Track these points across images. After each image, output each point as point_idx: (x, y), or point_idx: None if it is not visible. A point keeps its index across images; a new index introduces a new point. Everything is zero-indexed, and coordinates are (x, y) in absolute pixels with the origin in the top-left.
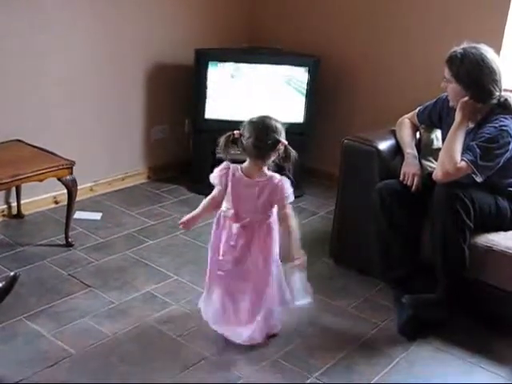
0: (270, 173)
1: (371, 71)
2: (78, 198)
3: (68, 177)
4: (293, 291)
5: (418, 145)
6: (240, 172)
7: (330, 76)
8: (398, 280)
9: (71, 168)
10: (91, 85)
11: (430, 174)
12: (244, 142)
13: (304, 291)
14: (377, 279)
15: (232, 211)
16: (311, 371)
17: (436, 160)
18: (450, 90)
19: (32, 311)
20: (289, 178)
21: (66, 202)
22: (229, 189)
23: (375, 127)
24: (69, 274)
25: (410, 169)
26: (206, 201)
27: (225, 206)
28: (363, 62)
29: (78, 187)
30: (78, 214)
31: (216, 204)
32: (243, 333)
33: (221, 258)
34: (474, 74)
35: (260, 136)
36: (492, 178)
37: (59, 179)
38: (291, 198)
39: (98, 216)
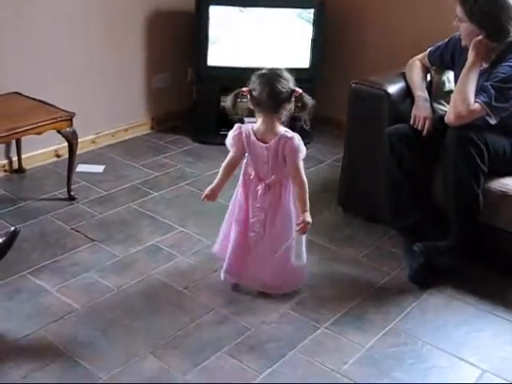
0: (282, 130)
1: (379, 11)
2: (79, 151)
3: (68, 129)
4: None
5: (429, 87)
6: (252, 135)
7: (337, 17)
8: (408, 227)
9: (71, 120)
10: (88, 33)
11: (442, 117)
12: (257, 95)
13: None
14: (386, 226)
15: (253, 172)
16: (321, 321)
17: (448, 103)
18: (463, 29)
19: (35, 266)
20: (305, 129)
21: (67, 156)
22: (246, 150)
23: (385, 70)
24: (72, 228)
25: (420, 112)
26: (223, 167)
27: (246, 164)
28: (373, 3)
29: (80, 140)
30: (80, 167)
31: (234, 167)
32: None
33: (251, 219)
34: (489, 12)
35: (274, 86)
36: (506, 119)
37: (59, 132)
38: (303, 154)
39: (100, 169)
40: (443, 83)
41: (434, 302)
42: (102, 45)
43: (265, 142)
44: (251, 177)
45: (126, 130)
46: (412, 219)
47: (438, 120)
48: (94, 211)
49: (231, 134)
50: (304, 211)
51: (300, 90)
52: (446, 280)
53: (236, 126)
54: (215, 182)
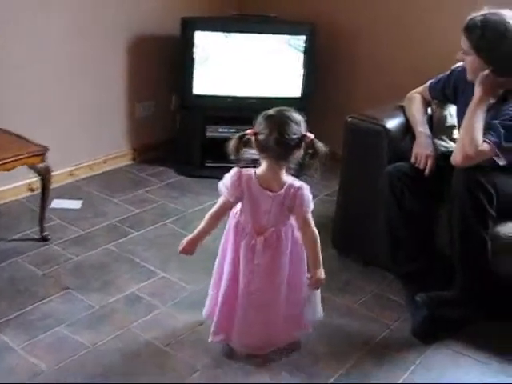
0: (288, 179)
1: (375, 39)
2: (56, 185)
3: (40, 164)
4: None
5: (430, 122)
6: (255, 180)
7: (329, 46)
8: (410, 274)
9: (43, 155)
10: (68, 58)
11: (444, 154)
12: (262, 140)
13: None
14: (385, 271)
15: (250, 225)
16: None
17: (450, 139)
18: (469, 62)
19: (1, 319)
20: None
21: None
22: (244, 198)
23: (380, 103)
24: (44, 274)
25: (422, 150)
26: (209, 215)
27: (241, 213)
28: (366, 29)
29: (57, 172)
30: (55, 203)
31: (222, 216)
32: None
33: (246, 277)
34: (497, 46)
35: (283, 130)
36: None
37: (31, 167)
38: (311, 206)
39: (77, 204)
40: (445, 118)
41: (440, 358)
42: (81, 71)
43: (269, 190)
44: (246, 229)
45: (106, 162)
46: (414, 265)
47: (440, 158)
48: (68, 253)
49: (230, 178)
50: (316, 267)
51: (312, 136)
52: (451, 333)
53: (235, 169)
54: (196, 231)
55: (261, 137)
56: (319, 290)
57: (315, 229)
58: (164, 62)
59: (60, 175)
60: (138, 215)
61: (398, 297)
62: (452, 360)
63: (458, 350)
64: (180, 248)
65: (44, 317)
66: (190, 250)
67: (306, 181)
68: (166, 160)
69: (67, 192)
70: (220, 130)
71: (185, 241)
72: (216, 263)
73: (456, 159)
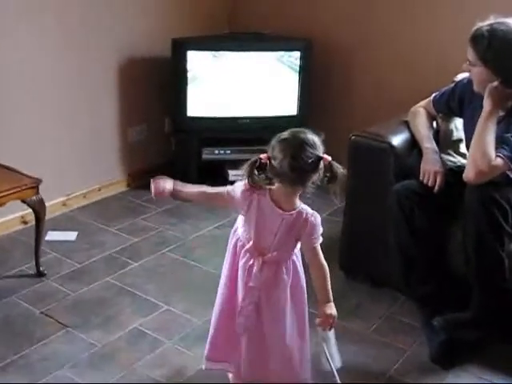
0: (300, 204)
1: (371, 55)
2: (49, 216)
3: (34, 197)
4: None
5: (436, 136)
6: (267, 196)
7: (325, 62)
8: (424, 297)
9: (37, 187)
10: (56, 83)
11: (452, 169)
12: (276, 165)
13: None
14: (395, 292)
15: (251, 242)
16: None
17: (457, 153)
18: (475, 73)
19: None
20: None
21: (34, 223)
22: (251, 212)
23: (379, 118)
24: (41, 312)
25: (430, 166)
26: (203, 189)
27: (241, 229)
28: (362, 44)
29: (50, 203)
30: (49, 235)
31: (213, 201)
32: None
33: (241, 302)
34: (505, 56)
35: (298, 154)
36: None
37: (23, 201)
38: (321, 237)
39: (72, 236)
40: (451, 132)
41: None
42: (71, 97)
43: (281, 209)
44: (246, 247)
45: (100, 190)
46: (427, 287)
47: (449, 173)
48: (66, 289)
49: (241, 186)
50: (325, 302)
51: (329, 158)
52: (470, 356)
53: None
54: (183, 187)
55: (274, 162)
56: (333, 334)
57: (324, 261)
58: (155, 84)
59: (53, 206)
60: (136, 244)
61: (411, 319)
62: None
63: (478, 374)
64: (154, 186)
65: (44, 359)
66: (161, 195)
67: (305, 198)
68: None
69: (61, 223)
70: (216, 151)
71: (166, 184)
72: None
73: (468, 176)
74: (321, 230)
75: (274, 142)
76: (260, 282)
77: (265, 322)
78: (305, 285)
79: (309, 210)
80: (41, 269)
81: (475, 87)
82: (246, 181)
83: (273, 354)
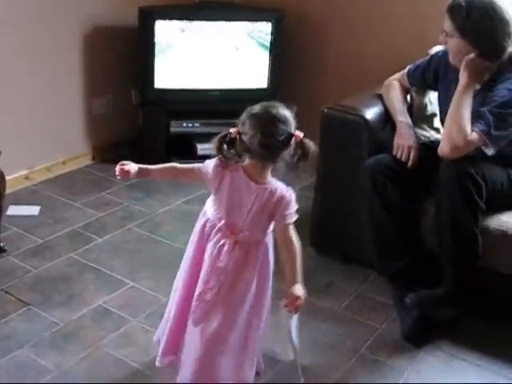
0: (274, 181)
1: (346, 25)
2: (11, 190)
3: None
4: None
5: (410, 110)
6: (241, 172)
7: (297, 33)
8: (397, 273)
9: None
10: (16, 54)
11: (426, 144)
12: (247, 141)
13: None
14: (366, 268)
15: (223, 221)
16: None
17: (431, 128)
18: (452, 45)
19: None
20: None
21: None
22: (223, 189)
23: (353, 91)
24: (1, 289)
25: (404, 141)
26: (171, 165)
27: (211, 210)
28: (336, 15)
29: (11, 176)
30: (11, 210)
31: (180, 176)
32: None
33: (201, 285)
34: (483, 27)
35: (269, 131)
36: (504, 149)
37: None
38: (295, 216)
39: (35, 210)
40: (425, 106)
41: (433, 362)
42: (32, 68)
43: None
44: (217, 226)
45: (64, 163)
46: (400, 264)
47: (423, 148)
48: (28, 266)
49: (213, 162)
50: (294, 282)
51: (301, 135)
52: (442, 334)
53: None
54: (148, 166)
55: (245, 137)
56: (297, 318)
57: (297, 240)
58: (122, 54)
59: (15, 180)
60: (101, 219)
61: (383, 296)
62: (445, 363)
63: (450, 351)
64: (119, 168)
65: (3, 338)
66: (125, 176)
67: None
68: (129, 158)
69: (24, 197)
70: (185, 124)
71: (130, 166)
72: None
73: (444, 150)
74: (295, 206)
75: (244, 116)
76: (230, 263)
77: (222, 309)
78: (271, 270)
79: (283, 186)
80: (1, 244)
81: (451, 59)
82: (218, 156)
83: (226, 343)
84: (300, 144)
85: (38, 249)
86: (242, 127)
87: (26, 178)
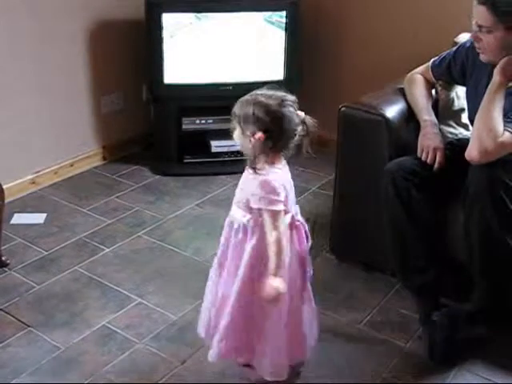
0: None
1: (365, 14)
2: (16, 195)
3: None
4: None
5: (435, 106)
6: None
7: (313, 21)
8: (422, 287)
9: None
10: (20, 51)
11: (452, 143)
12: (276, 137)
13: None
14: (389, 277)
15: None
16: None
17: (458, 124)
18: (492, 42)
19: None
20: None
21: None
22: None
23: (373, 84)
24: (1, 309)
25: (429, 142)
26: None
27: None
28: (355, 4)
29: (16, 182)
30: (16, 218)
31: None
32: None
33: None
34: None
35: (291, 120)
36: None
37: None
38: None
39: (41, 218)
40: (452, 101)
41: None
42: (37, 65)
43: None
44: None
45: (72, 165)
46: (426, 277)
47: (449, 147)
48: (30, 281)
49: (277, 184)
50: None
51: (302, 114)
52: (473, 354)
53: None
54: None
55: (274, 134)
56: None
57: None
58: (131, 49)
59: (20, 184)
60: (109, 227)
61: (408, 310)
62: None
63: (481, 373)
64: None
65: (1, 365)
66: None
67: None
68: (140, 157)
69: (29, 204)
70: (197, 121)
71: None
72: None
73: (472, 155)
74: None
75: (261, 113)
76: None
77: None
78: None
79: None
80: (3, 258)
81: (486, 56)
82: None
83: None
84: (303, 123)
85: (41, 261)
86: (260, 125)
87: (33, 182)
